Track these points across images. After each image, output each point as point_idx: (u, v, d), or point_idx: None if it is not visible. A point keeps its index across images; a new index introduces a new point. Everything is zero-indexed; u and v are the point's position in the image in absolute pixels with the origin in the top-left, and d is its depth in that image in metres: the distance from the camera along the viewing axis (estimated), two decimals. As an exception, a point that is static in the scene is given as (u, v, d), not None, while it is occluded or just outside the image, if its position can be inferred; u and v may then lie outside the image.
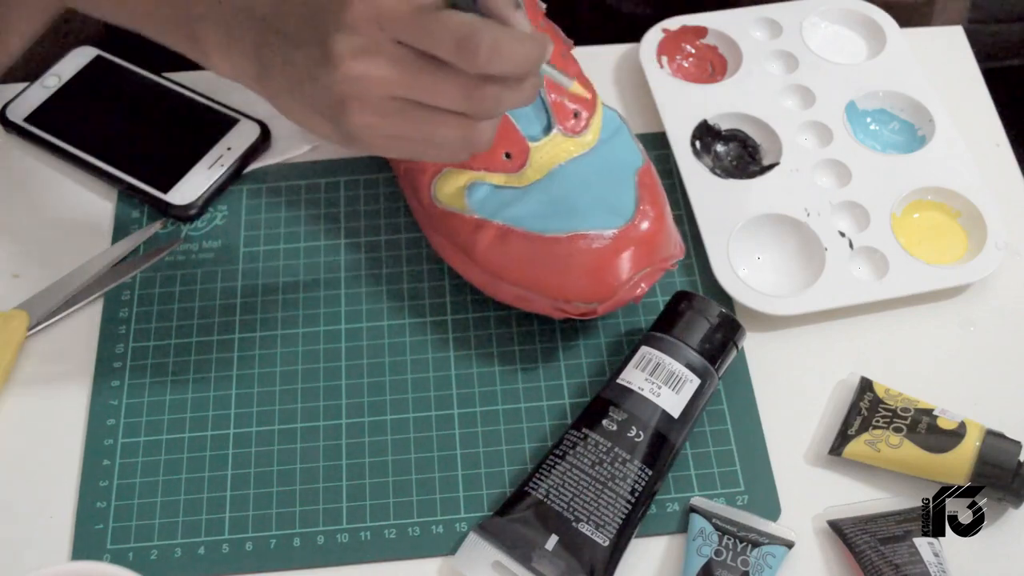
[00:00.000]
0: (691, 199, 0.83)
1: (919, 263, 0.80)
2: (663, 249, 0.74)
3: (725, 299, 0.79)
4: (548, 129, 0.76)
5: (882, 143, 0.87)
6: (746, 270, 0.80)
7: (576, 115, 0.77)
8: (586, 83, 0.79)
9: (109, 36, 0.98)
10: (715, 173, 0.84)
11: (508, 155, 0.75)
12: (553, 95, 0.77)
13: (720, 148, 0.86)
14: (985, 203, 0.82)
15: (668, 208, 0.77)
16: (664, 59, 0.91)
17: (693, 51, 0.93)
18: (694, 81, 0.90)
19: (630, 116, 0.90)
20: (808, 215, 0.81)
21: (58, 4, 0.77)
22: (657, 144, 0.87)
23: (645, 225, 0.73)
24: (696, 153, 0.85)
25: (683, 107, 0.88)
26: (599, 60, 0.92)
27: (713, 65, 0.92)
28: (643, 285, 0.72)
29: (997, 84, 0.93)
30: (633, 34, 0.93)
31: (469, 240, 0.75)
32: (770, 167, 0.84)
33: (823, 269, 0.79)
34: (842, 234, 0.81)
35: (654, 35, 0.92)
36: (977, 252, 0.80)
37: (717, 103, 0.88)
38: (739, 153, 0.86)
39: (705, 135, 0.86)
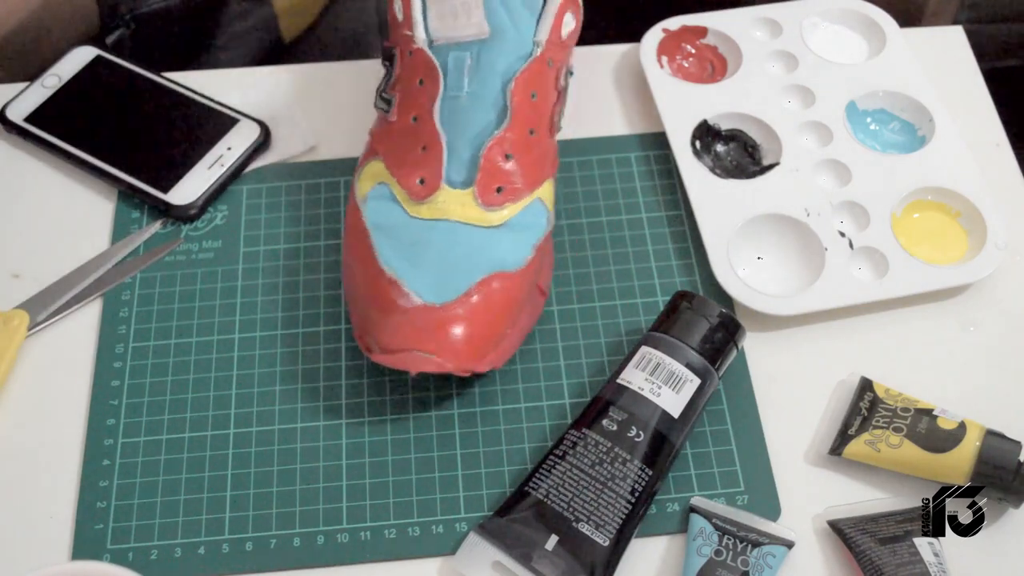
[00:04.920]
0: (691, 199, 0.83)
1: (919, 263, 0.80)
2: (454, 346, 0.71)
3: (725, 299, 0.79)
4: (467, 184, 0.75)
5: (882, 143, 0.87)
6: (746, 270, 0.81)
7: (499, 190, 0.75)
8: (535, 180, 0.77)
9: (108, 36, 0.99)
10: (715, 173, 0.84)
11: (423, 181, 0.75)
12: (488, 160, 0.75)
13: (720, 148, 0.87)
14: (985, 203, 0.82)
15: (501, 323, 0.73)
16: (664, 59, 0.92)
17: (693, 51, 0.93)
18: (694, 81, 0.91)
19: (630, 116, 0.90)
20: (808, 215, 0.82)
21: None
22: (657, 144, 0.88)
23: (457, 311, 0.72)
24: (696, 153, 0.85)
25: (683, 107, 0.88)
26: (599, 60, 0.93)
27: (713, 65, 0.92)
28: (413, 372, 0.71)
29: (997, 84, 0.93)
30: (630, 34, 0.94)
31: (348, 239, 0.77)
32: (770, 167, 0.85)
33: (823, 269, 0.79)
34: (842, 234, 0.81)
35: (654, 35, 0.92)
36: (977, 252, 0.80)
37: (717, 103, 0.88)
38: (739, 153, 0.87)
39: (705, 135, 0.87)
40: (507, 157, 0.75)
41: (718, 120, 0.87)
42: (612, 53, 0.94)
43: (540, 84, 0.76)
